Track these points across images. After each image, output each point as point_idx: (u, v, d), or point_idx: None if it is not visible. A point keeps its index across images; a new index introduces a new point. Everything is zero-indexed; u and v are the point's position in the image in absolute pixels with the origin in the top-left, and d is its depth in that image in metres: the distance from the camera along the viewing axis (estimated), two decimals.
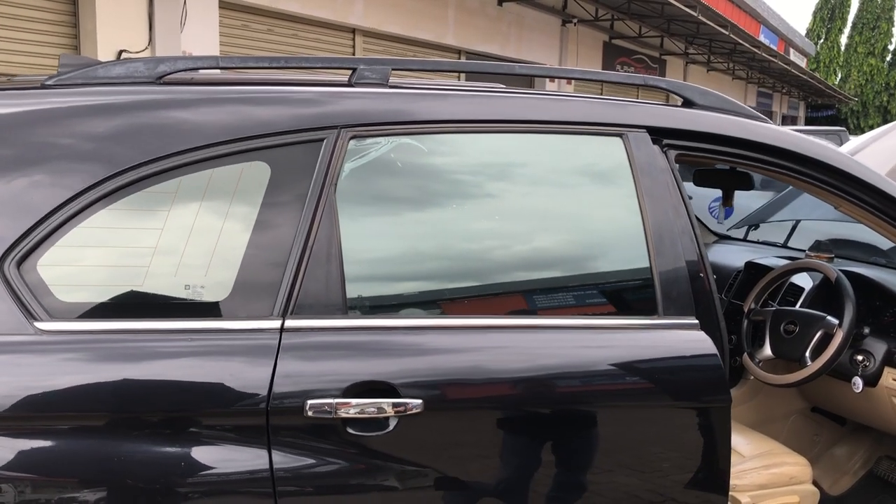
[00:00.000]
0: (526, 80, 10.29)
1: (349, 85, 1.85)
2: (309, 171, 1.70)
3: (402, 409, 1.62)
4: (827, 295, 2.71)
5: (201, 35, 7.68)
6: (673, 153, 2.00)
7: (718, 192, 5.22)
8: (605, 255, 1.98)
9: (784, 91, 36.94)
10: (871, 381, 2.53)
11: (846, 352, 2.55)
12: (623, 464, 1.84)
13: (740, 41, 18.67)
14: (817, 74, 41.58)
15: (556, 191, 1.96)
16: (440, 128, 1.84)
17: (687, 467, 1.87)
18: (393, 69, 1.93)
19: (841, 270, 2.69)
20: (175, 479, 1.54)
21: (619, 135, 1.97)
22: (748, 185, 2.72)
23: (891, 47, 48.93)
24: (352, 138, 1.75)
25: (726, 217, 4.84)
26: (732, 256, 3.39)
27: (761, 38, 23.51)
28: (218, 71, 2.17)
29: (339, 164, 1.73)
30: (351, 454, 1.62)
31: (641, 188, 1.92)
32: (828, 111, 41.27)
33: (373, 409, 1.61)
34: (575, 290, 1.92)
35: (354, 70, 1.88)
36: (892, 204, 2.15)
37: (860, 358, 2.57)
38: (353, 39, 10.14)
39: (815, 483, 2.89)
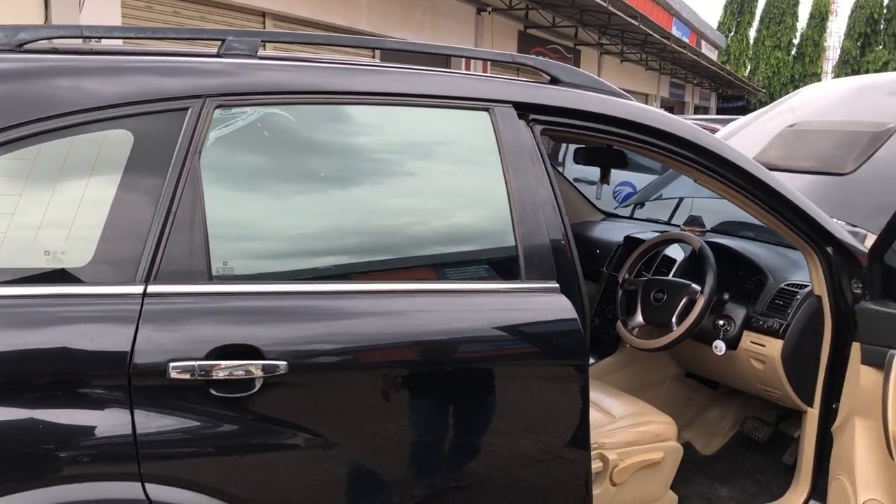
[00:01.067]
0: (442, 60, 10.35)
1: (217, 56, 1.88)
2: (173, 139, 1.72)
3: (265, 371, 1.67)
4: (695, 265, 2.87)
5: (101, 16, 7.46)
6: (539, 128, 2.09)
7: (625, 175, 5.41)
8: (471, 223, 2.07)
9: (696, 82, 38.08)
10: (733, 344, 2.70)
11: (709, 317, 2.72)
12: (487, 424, 1.93)
13: (651, 32, 19.18)
14: (728, 67, 43.05)
15: (423, 162, 2.04)
16: (308, 99, 1.88)
17: (549, 424, 1.98)
18: (264, 41, 1.96)
19: (707, 242, 2.86)
20: (37, 445, 1.55)
21: (486, 109, 2.05)
22: (622, 163, 2.86)
23: (795, 41, 51.04)
24: (217, 107, 1.78)
25: (628, 197, 5.04)
26: (616, 232, 3.55)
27: (674, 30, 24.23)
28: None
29: (204, 132, 1.76)
30: (215, 415, 1.66)
31: (506, 160, 2.01)
32: (738, 102, 42.74)
33: (238, 371, 1.66)
34: (440, 257, 2.01)
35: (223, 41, 1.91)
36: (747, 178, 2.31)
37: (722, 322, 2.74)
38: (264, 23, 10.01)
39: (689, 444, 3.07)
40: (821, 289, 2.44)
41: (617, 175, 6.14)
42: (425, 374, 1.87)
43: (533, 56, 2.33)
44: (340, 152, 1.92)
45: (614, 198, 5.09)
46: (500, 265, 2.03)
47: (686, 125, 2.30)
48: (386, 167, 1.97)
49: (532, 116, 2.09)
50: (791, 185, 2.50)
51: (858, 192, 3.01)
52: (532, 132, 2.07)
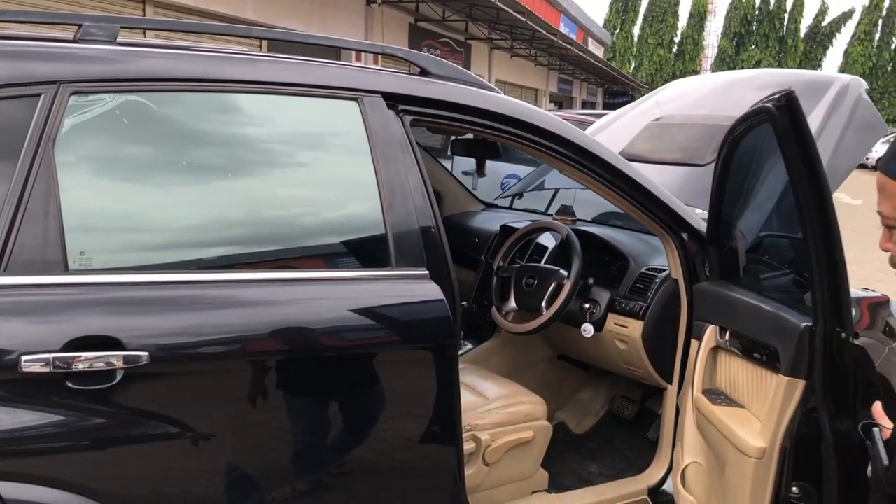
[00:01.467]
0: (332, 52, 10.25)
1: (74, 41, 1.83)
2: (24, 126, 1.67)
3: (127, 362, 1.64)
4: (564, 252, 2.99)
5: None
6: (408, 118, 2.13)
7: (512, 168, 5.50)
8: (340, 211, 2.10)
9: (583, 78, 39.23)
10: (599, 326, 2.84)
11: (577, 301, 2.84)
12: (359, 410, 1.96)
13: (539, 29, 19.62)
14: (613, 63, 44.49)
15: (293, 150, 2.04)
16: (170, 86, 1.85)
17: (421, 408, 2.03)
18: (123, 27, 1.92)
19: (576, 230, 2.99)
20: None
21: (355, 99, 2.07)
22: (496, 154, 2.93)
23: (676, 39, 53.28)
24: (73, 94, 1.73)
25: (509, 187, 5.16)
26: (494, 222, 3.64)
27: (561, 27, 24.83)
28: None
29: (59, 120, 1.70)
30: (74, 408, 1.63)
31: (376, 149, 2.04)
32: (623, 98, 44.23)
33: (98, 363, 1.62)
34: (309, 245, 2.03)
35: (80, 26, 1.85)
36: (607, 168, 2.42)
37: (588, 306, 2.88)
38: (144, 9, 9.65)
39: (563, 424, 3.19)
40: (677, 272, 2.60)
41: (505, 167, 6.29)
42: (292, 363, 1.87)
43: (402, 48, 2.37)
44: (203, 141, 1.91)
45: (502, 189, 5.21)
46: (370, 253, 2.06)
47: (551, 118, 2.39)
48: (252, 156, 1.96)
49: (401, 107, 2.12)
50: (654, 176, 2.66)
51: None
52: (402, 122, 2.11)
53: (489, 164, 3.01)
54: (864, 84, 3.35)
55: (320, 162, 2.09)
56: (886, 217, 1.31)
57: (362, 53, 10.44)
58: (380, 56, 12.48)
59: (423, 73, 2.30)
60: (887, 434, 1.43)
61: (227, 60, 1.96)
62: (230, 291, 1.83)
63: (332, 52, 10.40)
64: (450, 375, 2.04)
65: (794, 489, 2.00)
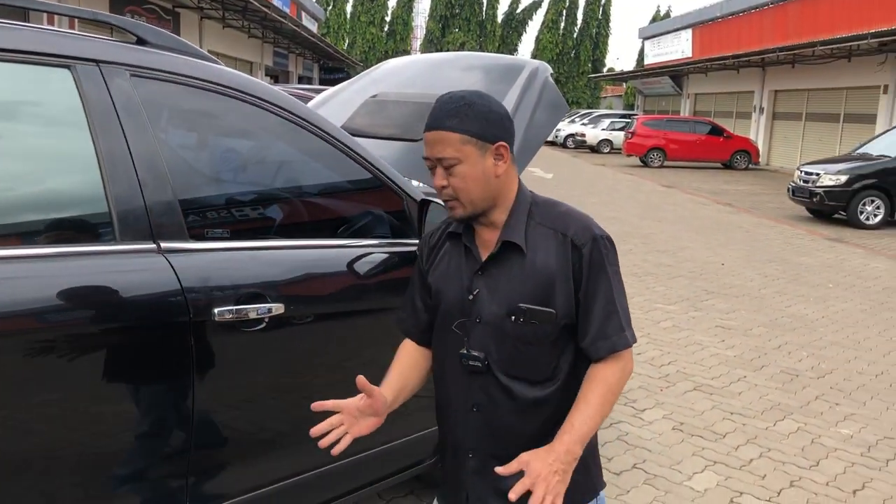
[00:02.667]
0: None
1: None
2: None
3: None
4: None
5: None
6: (127, 87, 2.07)
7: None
8: (57, 184, 2.00)
9: (298, 52, 38.95)
10: None
11: None
12: (89, 390, 1.88)
13: (251, 0, 19.14)
14: (328, 39, 44.67)
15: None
16: None
17: (144, 392, 1.99)
18: None
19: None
20: None
21: (67, 66, 1.97)
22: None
23: (388, 19, 54.78)
24: None
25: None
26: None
27: (274, 0, 24.44)
28: None
29: None
30: None
31: (93, 119, 1.96)
32: (339, 73, 44.67)
33: None
34: (23, 221, 1.91)
35: None
36: (333, 142, 2.53)
37: None
38: None
39: None
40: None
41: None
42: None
43: (117, 15, 2.29)
44: None
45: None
46: (92, 227, 1.99)
47: (276, 91, 2.45)
48: None
49: (121, 76, 2.06)
50: (374, 150, 2.81)
51: None
52: (122, 91, 2.04)
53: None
54: (549, 69, 3.81)
55: (23, 133, 1.97)
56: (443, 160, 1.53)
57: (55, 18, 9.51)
58: (76, 21, 11.46)
59: (141, 41, 2.24)
60: None
61: None
62: None
63: (16, 14, 9.34)
64: (179, 356, 2.02)
65: None
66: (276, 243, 2.42)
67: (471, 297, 1.59)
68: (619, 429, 4.18)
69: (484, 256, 1.60)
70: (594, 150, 32.56)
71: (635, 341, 1.59)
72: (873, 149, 13.77)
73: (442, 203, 2.63)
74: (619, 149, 28.83)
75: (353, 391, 2.53)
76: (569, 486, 1.44)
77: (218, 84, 2.27)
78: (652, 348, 5.64)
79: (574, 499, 1.55)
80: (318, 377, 2.42)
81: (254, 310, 2.13)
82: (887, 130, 15.06)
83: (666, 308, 6.94)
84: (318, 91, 7.13)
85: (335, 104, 4.09)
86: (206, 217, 2.33)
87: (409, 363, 1.76)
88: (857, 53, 20.65)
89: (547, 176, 20.03)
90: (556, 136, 34.68)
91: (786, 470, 3.77)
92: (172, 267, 2.00)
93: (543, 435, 1.53)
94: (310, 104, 4.26)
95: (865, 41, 18.07)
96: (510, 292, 1.55)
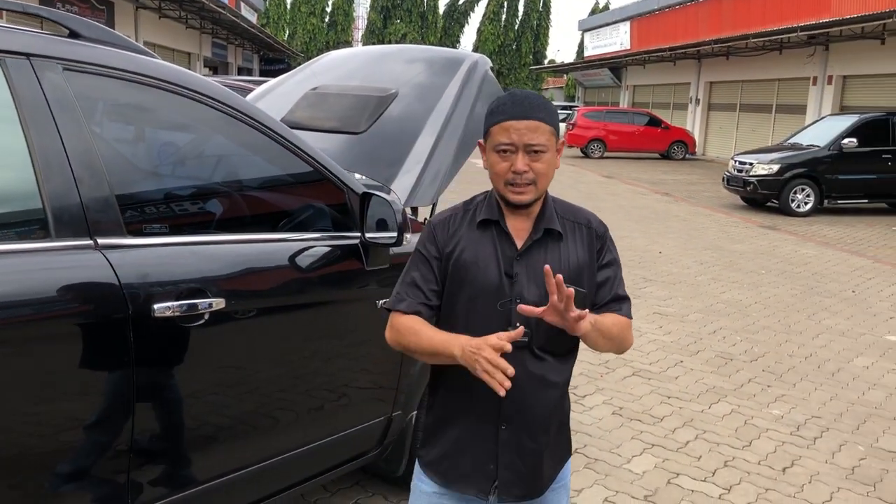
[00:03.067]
0: None
1: None
2: None
3: None
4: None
5: None
6: (60, 81, 2.03)
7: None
8: None
9: (238, 43, 38.32)
10: None
11: None
12: (32, 389, 1.86)
13: None
14: (268, 30, 44.04)
15: None
16: None
17: (81, 390, 1.96)
18: None
19: None
20: None
21: None
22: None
23: (328, 9, 54.22)
24: None
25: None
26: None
27: None
28: None
29: None
30: None
31: (25, 114, 1.93)
32: (280, 65, 44.11)
33: None
34: None
35: None
36: (274, 136, 2.53)
37: None
38: None
39: None
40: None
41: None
42: None
43: (48, 7, 2.24)
44: None
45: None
46: (26, 224, 1.96)
47: (213, 84, 2.43)
48: None
49: (53, 70, 2.02)
50: (314, 143, 2.81)
51: (370, 148, 3.49)
52: (54, 85, 2.01)
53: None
54: (489, 62, 3.86)
55: None
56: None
57: None
58: (4, 14, 11.07)
59: (74, 34, 2.20)
60: None
61: None
62: None
63: None
64: (118, 353, 2.00)
65: None
66: (217, 238, 2.41)
67: (511, 279, 1.73)
68: None
69: (519, 243, 1.76)
70: None
71: (632, 318, 1.85)
72: (803, 139, 14.24)
73: (385, 196, 2.66)
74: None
75: (298, 385, 2.55)
76: (557, 444, 1.84)
77: (153, 77, 2.24)
78: None
79: (562, 456, 1.89)
80: (261, 371, 2.43)
81: (194, 305, 2.13)
82: (816, 121, 15.59)
83: None
84: (259, 83, 7.05)
85: (275, 97, 4.06)
86: (144, 212, 2.31)
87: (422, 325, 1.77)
88: (788, 46, 21.28)
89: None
90: None
91: (720, 451, 3.91)
92: (110, 263, 1.98)
93: (558, 409, 1.81)
94: (249, 97, 4.23)
95: (795, 34, 18.63)
96: None
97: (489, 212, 1.79)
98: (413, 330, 1.75)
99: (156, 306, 2.04)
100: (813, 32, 18.46)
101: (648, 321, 6.26)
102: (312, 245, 2.59)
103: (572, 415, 4.23)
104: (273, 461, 2.46)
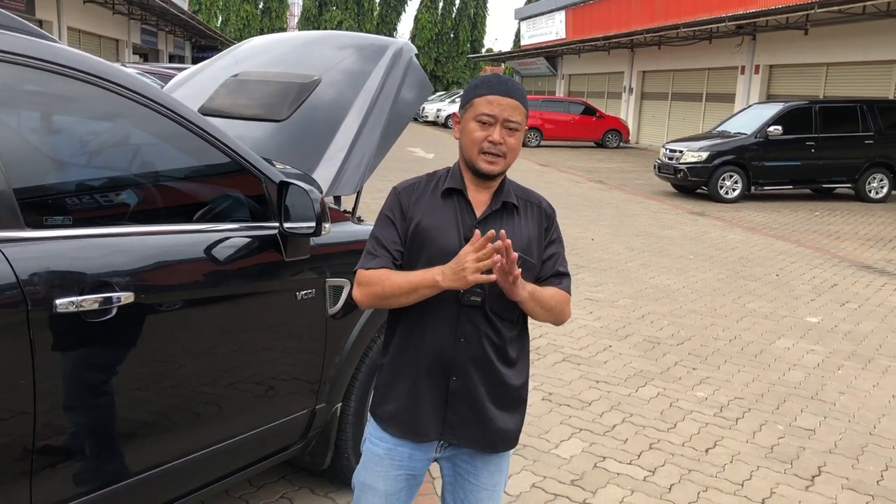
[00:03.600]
0: None
1: None
2: None
3: None
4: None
5: None
6: None
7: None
8: None
9: (168, 30, 37.37)
10: None
11: None
12: None
13: None
14: (200, 17, 43.06)
15: None
16: None
17: None
18: None
19: None
20: None
21: None
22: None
23: None
24: None
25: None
26: None
27: None
28: None
29: None
30: None
31: None
32: (213, 52, 43.15)
33: None
34: None
35: None
36: (185, 124, 2.45)
37: None
38: None
39: None
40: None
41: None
42: None
43: None
44: None
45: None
46: None
47: (122, 72, 2.34)
48: None
49: None
50: (235, 132, 2.73)
51: (292, 136, 3.42)
52: None
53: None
54: (414, 49, 3.82)
55: None
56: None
57: None
58: None
59: None
60: None
61: None
62: None
63: None
64: (17, 351, 1.90)
65: None
66: (125, 230, 2.33)
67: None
68: None
69: (478, 213, 1.91)
70: None
71: (571, 294, 2.00)
72: (731, 126, 14.60)
73: (302, 185, 2.61)
74: None
75: (218, 379, 2.49)
76: (516, 413, 1.99)
77: (58, 65, 2.14)
78: None
79: (519, 429, 2.02)
80: (179, 366, 2.36)
81: (100, 299, 2.05)
82: (744, 109, 15.99)
83: None
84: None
85: (195, 84, 3.95)
86: (45, 204, 2.21)
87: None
88: (717, 36, 21.78)
89: (428, 156, 20.11)
90: (438, 117, 34.87)
91: (646, 434, 3.98)
92: (6, 258, 1.90)
93: (511, 368, 1.95)
94: (168, 84, 4.11)
95: (724, 24, 19.08)
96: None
97: (453, 181, 1.94)
98: (385, 275, 1.87)
99: (58, 302, 1.96)
100: (741, 22, 18.92)
101: (579, 307, 6.34)
102: (228, 236, 2.53)
103: None
104: (192, 457, 2.40)
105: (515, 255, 1.71)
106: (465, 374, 1.90)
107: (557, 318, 1.96)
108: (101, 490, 2.17)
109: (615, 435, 3.95)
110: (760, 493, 3.41)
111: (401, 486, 2.00)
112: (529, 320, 1.99)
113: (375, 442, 2.00)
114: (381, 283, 1.85)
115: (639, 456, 3.72)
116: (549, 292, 1.90)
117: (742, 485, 3.48)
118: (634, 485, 3.44)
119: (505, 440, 1.98)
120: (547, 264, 1.96)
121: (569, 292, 1.97)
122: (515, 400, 1.99)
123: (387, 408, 1.98)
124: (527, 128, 2.02)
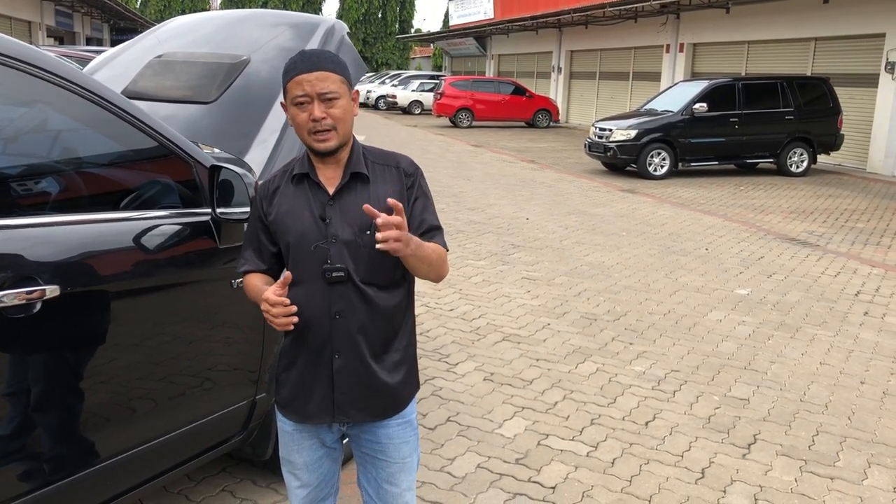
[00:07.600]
0: None
1: None
2: None
3: None
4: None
5: None
6: None
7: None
8: None
9: (85, 12, 35.95)
10: None
11: None
12: None
13: None
14: None
15: None
16: None
17: None
18: None
19: None
20: None
21: None
22: None
23: None
24: None
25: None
26: None
27: None
28: None
29: None
30: None
31: None
32: (133, 34, 41.68)
33: None
34: None
35: None
36: (110, 108, 2.33)
37: None
38: None
39: None
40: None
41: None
42: None
43: None
44: None
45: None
46: None
47: (36, 51, 2.21)
48: None
49: None
50: (160, 114, 2.62)
51: (221, 118, 3.31)
52: None
53: None
54: (345, 27, 3.74)
55: None
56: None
57: None
58: None
59: None
60: None
61: None
62: None
63: None
64: None
65: None
66: (47, 220, 2.20)
67: (325, 222, 1.87)
68: (434, 384, 4.28)
69: (331, 190, 1.89)
70: (405, 111, 32.72)
71: (448, 250, 2.00)
72: (658, 104, 14.85)
73: (235, 169, 2.52)
74: (430, 110, 29.18)
75: (154, 372, 2.40)
76: (403, 380, 1.97)
77: None
78: (464, 303, 5.80)
79: (409, 392, 2.01)
80: (112, 360, 2.26)
81: (21, 294, 1.94)
82: (670, 87, 16.28)
83: (476, 263, 7.15)
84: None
85: (117, 66, 3.79)
86: None
87: (265, 283, 1.97)
88: (643, 15, 22.10)
89: (360, 138, 19.86)
90: (368, 98, 34.52)
91: (587, 409, 4.02)
92: None
93: (394, 334, 1.95)
94: (88, 66, 3.92)
95: (649, 3, 19.34)
96: (361, 214, 1.81)
97: (301, 166, 1.94)
98: (249, 286, 1.97)
99: None
100: (665, 1, 19.22)
101: (517, 286, 6.37)
102: (158, 224, 2.42)
103: (444, 383, 4.28)
104: (128, 454, 2.31)
105: (381, 217, 1.68)
106: (346, 350, 1.90)
107: (438, 273, 1.95)
108: (31, 494, 2.06)
109: (557, 412, 3.98)
110: (700, 464, 3.48)
111: (319, 455, 2.04)
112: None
113: (283, 420, 2.04)
114: (247, 292, 1.98)
115: (581, 432, 3.76)
116: (431, 247, 1.89)
117: (682, 456, 3.55)
118: (578, 461, 3.47)
119: (397, 403, 1.98)
120: (414, 220, 1.93)
121: (446, 248, 1.96)
122: (400, 364, 1.98)
123: (283, 392, 2.00)
124: (358, 91, 1.93)
